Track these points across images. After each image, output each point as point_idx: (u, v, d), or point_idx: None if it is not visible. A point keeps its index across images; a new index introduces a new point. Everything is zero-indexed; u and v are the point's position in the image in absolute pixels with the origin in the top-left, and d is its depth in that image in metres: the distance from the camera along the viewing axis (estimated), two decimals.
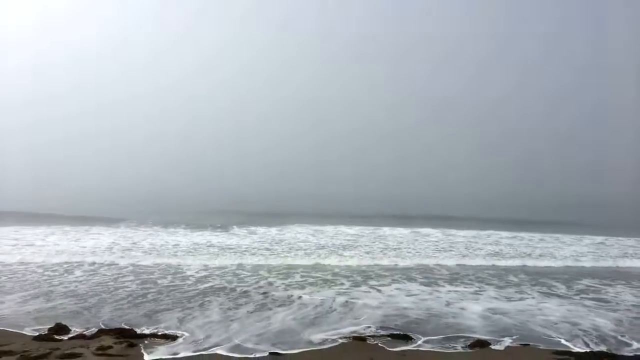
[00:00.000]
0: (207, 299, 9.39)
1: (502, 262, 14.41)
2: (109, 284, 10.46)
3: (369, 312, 8.58)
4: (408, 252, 16.30)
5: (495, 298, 9.91)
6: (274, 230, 21.64)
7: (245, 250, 15.64)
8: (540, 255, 16.00)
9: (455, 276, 12.27)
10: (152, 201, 42.62)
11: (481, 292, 10.40)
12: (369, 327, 7.69)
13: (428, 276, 12.14)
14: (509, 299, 9.81)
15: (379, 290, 10.34)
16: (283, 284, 10.79)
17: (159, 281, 10.80)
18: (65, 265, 12.29)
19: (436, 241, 19.85)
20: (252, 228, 22.32)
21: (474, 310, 8.84)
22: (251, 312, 8.50)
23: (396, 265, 13.29)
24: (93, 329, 7.22)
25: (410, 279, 11.75)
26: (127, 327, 7.25)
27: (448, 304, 9.43)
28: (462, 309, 9.03)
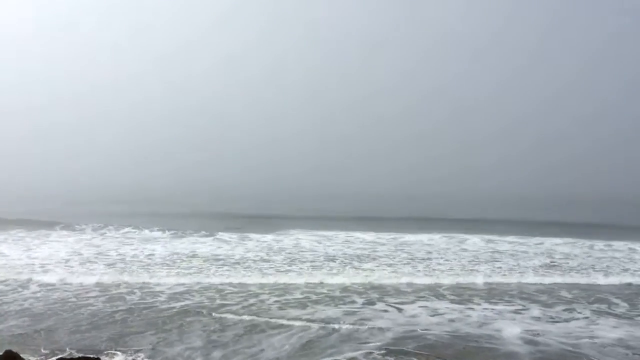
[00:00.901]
0: (187, 319, 9.53)
1: (562, 278, 14.39)
2: (70, 301, 10.64)
3: (377, 334, 8.73)
4: (439, 264, 16.37)
5: (538, 318, 10.09)
6: (270, 238, 21.89)
7: (235, 263, 15.74)
8: (607, 268, 16.15)
9: (494, 292, 12.40)
10: (129, 201, 43.52)
11: (522, 311, 10.54)
12: (371, 352, 7.80)
13: (461, 292, 12.27)
14: (554, 319, 10.00)
15: (399, 309, 10.47)
16: (277, 301, 10.94)
17: (127, 297, 10.97)
18: (15, 281, 12.47)
19: (474, 250, 20.00)
20: (245, 234, 22.58)
21: (508, 332, 8.96)
22: (240, 336, 8.59)
23: (433, 283, 13.30)
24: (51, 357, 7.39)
25: (439, 296, 11.89)
26: (91, 357, 7.34)
27: (480, 324, 9.54)
28: (496, 330, 9.12)
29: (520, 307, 10.97)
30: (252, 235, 22.27)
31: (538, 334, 8.94)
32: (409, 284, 13.02)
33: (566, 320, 10.03)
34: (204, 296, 11.30)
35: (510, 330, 9.11)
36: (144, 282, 12.58)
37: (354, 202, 55.91)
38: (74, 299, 10.89)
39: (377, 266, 15.62)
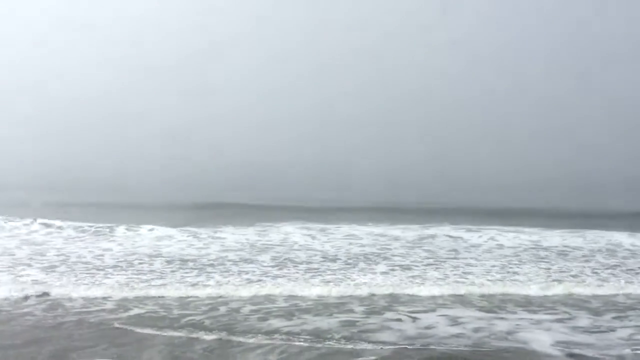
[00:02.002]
0: (145, 331, 9.75)
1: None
2: (5, 310, 10.81)
3: (375, 349, 9.05)
4: (471, 266, 16.68)
5: (582, 328, 10.47)
6: (252, 232, 22.35)
7: (207, 265, 16.00)
8: None
9: (534, 299, 12.73)
10: (72, 189, 43.63)
11: (566, 320, 10.87)
12: None
13: (493, 300, 12.59)
14: (599, 329, 10.39)
15: (412, 319, 10.84)
16: (256, 310, 11.35)
17: (69, 306, 11.19)
18: None
19: (513, 247, 20.44)
20: (221, 228, 22.95)
21: (539, 344, 9.31)
22: (210, 351, 8.93)
23: (462, 293, 13.31)
24: None
25: (467, 303, 12.23)
26: None
27: (509, 333, 9.90)
28: (524, 342, 9.46)
29: (565, 316, 11.26)
30: (230, 230, 22.76)
31: (572, 347, 9.24)
32: (431, 297, 13.05)
33: (612, 330, 10.34)
34: (165, 307, 11.56)
35: (543, 341, 9.43)
36: (90, 290, 12.74)
37: (360, 187, 56.27)
38: (8, 308, 11.14)
39: (391, 269, 15.91)
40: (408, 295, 12.93)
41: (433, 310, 11.50)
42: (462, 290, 13.22)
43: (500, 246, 21.05)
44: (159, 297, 12.28)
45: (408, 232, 24.00)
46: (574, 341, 9.67)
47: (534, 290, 13.36)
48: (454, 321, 10.73)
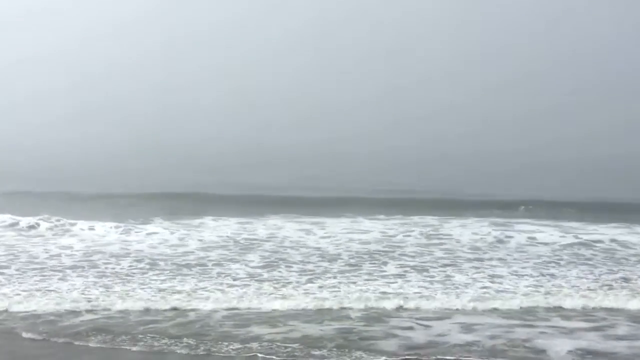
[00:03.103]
0: (100, 336, 10.39)
1: None
2: None
3: None
4: (491, 264, 17.32)
5: (615, 336, 11.19)
6: (234, 226, 23.29)
7: (184, 266, 16.56)
8: None
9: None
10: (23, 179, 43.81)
11: (604, 328, 11.56)
12: None
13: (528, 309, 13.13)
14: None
15: (425, 326, 11.57)
16: (228, 317, 11.91)
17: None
18: None
19: (548, 243, 21.28)
20: (197, 222, 24.00)
21: (554, 352, 10.10)
22: None
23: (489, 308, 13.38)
24: None
25: (487, 311, 12.85)
26: None
27: (525, 340, 10.65)
28: (541, 350, 10.21)
29: (602, 324, 11.88)
30: (209, 223, 23.76)
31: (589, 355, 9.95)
32: (444, 309, 13.11)
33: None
34: (125, 317, 12.01)
35: (558, 350, 10.18)
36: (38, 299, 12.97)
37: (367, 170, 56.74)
38: None
39: (404, 271, 16.49)
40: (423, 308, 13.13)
41: (446, 318, 12.20)
42: (487, 305, 13.29)
43: (533, 242, 21.91)
44: (121, 309, 12.52)
45: (419, 227, 24.77)
46: (596, 349, 10.31)
47: (569, 303, 13.59)
48: (469, 329, 11.39)
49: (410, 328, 11.43)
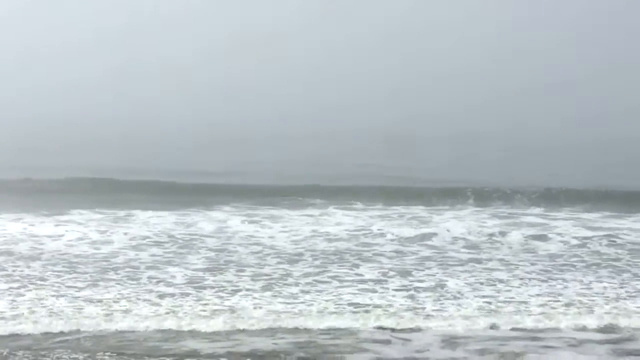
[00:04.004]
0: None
1: None
2: None
3: None
4: (487, 267, 17.55)
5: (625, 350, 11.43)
6: (171, 219, 23.38)
7: (102, 272, 16.39)
8: None
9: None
10: None
11: (620, 342, 11.86)
12: None
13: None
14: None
15: (404, 340, 11.71)
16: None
17: None
18: None
19: (561, 241, 21.38)
20: (124, 213, 24.14)
21: None
22: None
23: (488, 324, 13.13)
24: None
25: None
26: None
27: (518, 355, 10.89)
28: None
29: (619, 336, 12.15)
30: (139, 214, 23.84)
31: None
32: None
33: None
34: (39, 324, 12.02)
35: None
36: None
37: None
38: None
39: (383, 277, 16.39)
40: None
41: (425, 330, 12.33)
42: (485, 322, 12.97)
43: (544, 239, 21.84)
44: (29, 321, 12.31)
45: (403, 219, 25.16)
46: None
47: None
48: (452, 344, 11.52)
49: (386, 342, 11.55)
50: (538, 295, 14.93)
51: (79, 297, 14.07)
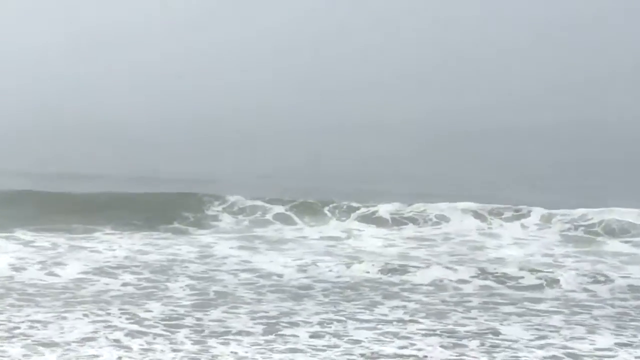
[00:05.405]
0: None
1: None
2: None
3: None
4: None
5: None
6: (130, 245, 21.69)
7: (62, 306, 15.11)
8: None
9: None
10: None
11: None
12: None
13: None
14: None
15: None
16: None
17: None
18: None
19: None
20: (86, 236, 22.91)
21: None
22: None
23: None
24: None
25: None
26: None
27: None
28: None
29: None
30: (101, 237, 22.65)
31: None
32: None
33: None
34: None
35: None
36: None
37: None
38: None
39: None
40: None
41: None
42: None
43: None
44: None
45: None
46: None
47: None
48: None
49: None
50: None
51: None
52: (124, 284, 17.36)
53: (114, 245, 21.86)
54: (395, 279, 18.27)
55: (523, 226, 24.86)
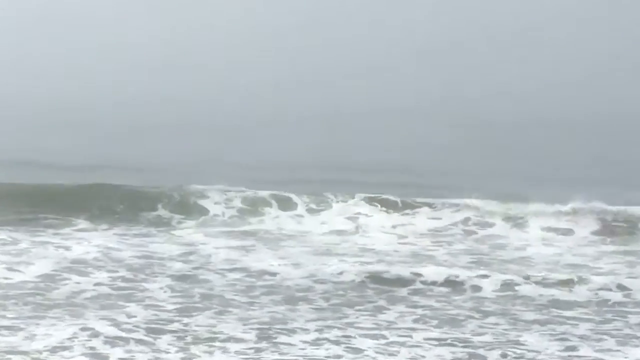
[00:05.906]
0: None
1: None
2: None
3: None
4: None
5: None
6: (103, 240, 20.88)
7: (34, 309, 14.35)
8: None
9: None
10: None
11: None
12: None
13: None
14: None
15: None
16: None
17: None
18: None
19: None
20: (65, 230, 22.16)
21: None
22: None
23: None
24: None
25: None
26: None
27: None
28: None
29: None
30: (76, 234, 21.80)
31: None
32: None
33: None
34: None
35: None
36: None
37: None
38: None
39: None
40: None
41: None
42: None
43: None
44: None
45: None
46: None
47: None
48: None
49: None
50: None
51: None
52: (97, 284, 16.51)
53: (84, 241, 20.75)
54: (403, 280, 17.77)
55: (553, 222, 23.98)
